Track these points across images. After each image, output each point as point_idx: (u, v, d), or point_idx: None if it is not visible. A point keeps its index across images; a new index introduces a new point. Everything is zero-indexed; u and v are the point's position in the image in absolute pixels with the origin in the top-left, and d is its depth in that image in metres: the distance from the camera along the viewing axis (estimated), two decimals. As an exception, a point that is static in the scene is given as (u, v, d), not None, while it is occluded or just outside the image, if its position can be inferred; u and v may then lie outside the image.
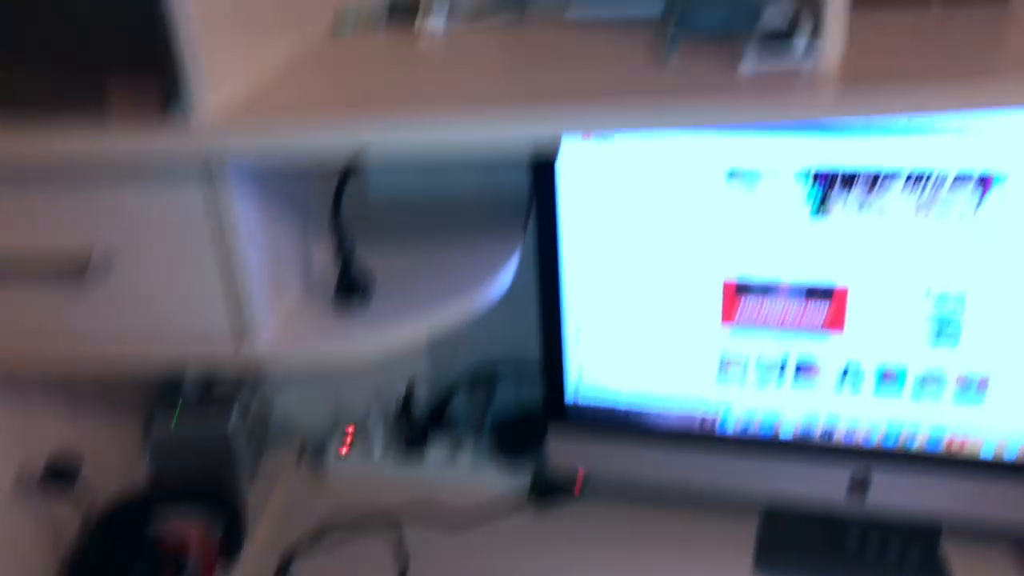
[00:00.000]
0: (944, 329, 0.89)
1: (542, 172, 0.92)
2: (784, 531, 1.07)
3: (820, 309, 0.92)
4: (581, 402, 1.04)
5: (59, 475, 0.96)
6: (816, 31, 0.71)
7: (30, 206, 0.73)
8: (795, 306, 0.92)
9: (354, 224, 1.00)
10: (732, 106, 0.64)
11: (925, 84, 0.64)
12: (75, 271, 0.74)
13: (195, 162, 0.69)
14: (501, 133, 0.65)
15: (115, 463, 1.11)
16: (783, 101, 0.64)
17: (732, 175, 0.87)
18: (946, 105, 0.63)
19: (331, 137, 0.67)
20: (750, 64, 0.71)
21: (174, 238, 0.73)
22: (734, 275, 0.92)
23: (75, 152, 0.69)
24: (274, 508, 1.16)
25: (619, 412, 1.03)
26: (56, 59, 0.68)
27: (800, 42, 0.71)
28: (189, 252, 0.74)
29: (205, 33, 0.67)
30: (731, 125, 0.64)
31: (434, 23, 0.96)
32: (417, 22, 0.96)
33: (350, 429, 1.23)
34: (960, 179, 0.83)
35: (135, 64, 0.67)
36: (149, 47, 0.66)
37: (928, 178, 0.83)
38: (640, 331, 0.98)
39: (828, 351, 0.93)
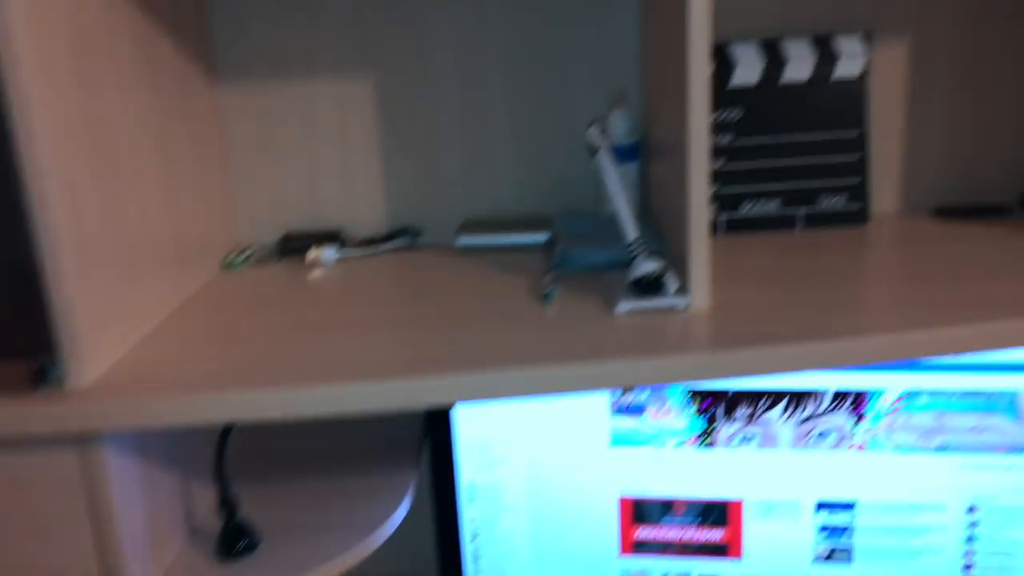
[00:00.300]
0: (838, 541, 0.90)
1: (437, 417, 0.93)
2: None
3: (716, 529, 0.92)
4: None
5: None
6: (682, 288, 0.75)
7: None
8: (691, 528, 0.92)
9: (243, 456, 0.97)
10: (606, 374, 0.65)
11: (792, 346, 0.66)
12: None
13: (68, 433, 0.67)
14: (381, 403, 0.65)
15: None
16: (654, 369, 0.65)
17: (618, 408, 0.89)
18: (810, 366, 0.66)
19: (208, 413, 0.65)
20: (625, 305, 0.74)
21: (44, 506, 0.70)
22: (630, 498, 0.92)
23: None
24: None
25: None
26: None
27: (671, 286, 0.74)
28: (60, 520, 0.70)
29: (85, 313, 0.66)
30: (610, 387, 0.66)
31: (326, 255, 0.97)
32: (309, 254, 0.97)
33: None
34: (839, 396, 0.86)
35: (9, 348, 0.66)
36: (24, 332, 0.65)
37: (808, 398, 0.86)
38: (540, 559, 0.96)
39: (726, 571, 0.93)
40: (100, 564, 0.71)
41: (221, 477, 0.77)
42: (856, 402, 0.86)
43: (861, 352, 0.66)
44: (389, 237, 1.02)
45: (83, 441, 0.68)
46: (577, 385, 0.65)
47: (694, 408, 0.88)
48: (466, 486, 0.94)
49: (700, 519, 0.92)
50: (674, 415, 0.88)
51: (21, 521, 0.70)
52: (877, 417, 0.86)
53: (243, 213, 1.04)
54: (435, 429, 0.93)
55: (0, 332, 0.65)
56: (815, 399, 0.86)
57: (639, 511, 0.92)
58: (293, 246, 0.99)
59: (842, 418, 0.87)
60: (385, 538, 0.84)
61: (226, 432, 0.76)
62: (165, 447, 0.79)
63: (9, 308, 0.65)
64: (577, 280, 0.84)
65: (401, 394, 0.65)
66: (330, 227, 1.04)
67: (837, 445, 0.87)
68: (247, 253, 0.99)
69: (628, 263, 0.77)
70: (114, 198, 0.73)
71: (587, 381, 0.65)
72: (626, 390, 0.88)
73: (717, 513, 0.91)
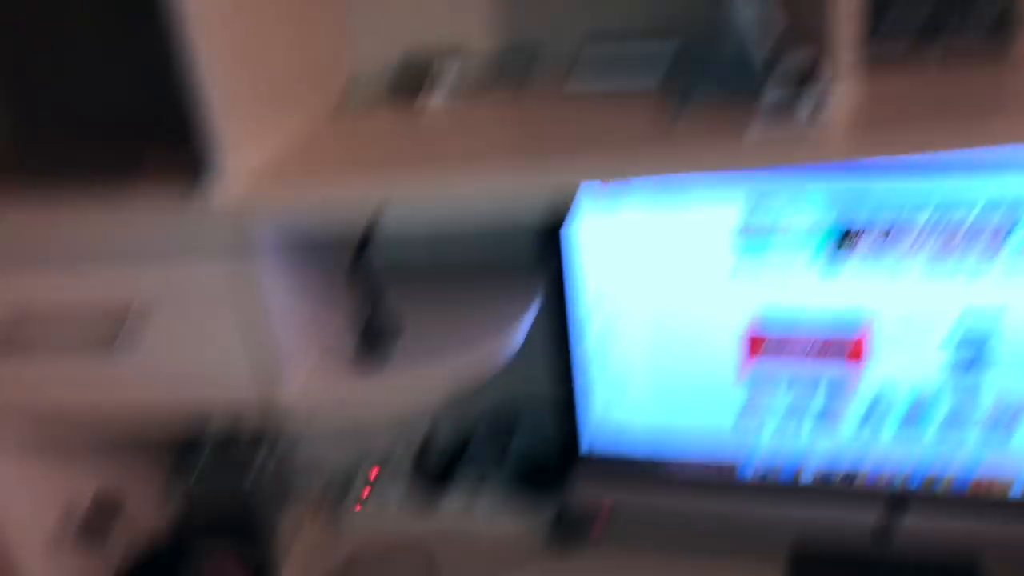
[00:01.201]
0: (975, 356, 0.88)
1: (552, 234, 0.93)
2: (812, 575, 1.05)
3: (843, 343, 0.90)
4: (599, 447, 1.04)
5: (100, 517, 1.00)
6: (822, 91, 0.71)
7: (67, 280, 0.76)
8: (818, 342, 0.91)
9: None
10: (743, 152, 0.65)
11: (930, 126, 0.64)
12: (104, 340, 0.76)
13: (223, 233, 0.71)
14: (516, 183, 0.66)
15: (146, 511, 1.12)
16: (794, 147, 0.65)
17: (743, 229, 0.88)
18: (953, 144, 0.63)
19: (352, 196, 0.68)
20: (756, 131, 0.72)
21: (201, 307, 0.75)
22: (755, 316, 0.92)
23: (108, 227, 0.71)
24: (299, 551, 1.17)
25: (638, 458, 1.03)
26: (97, 131, 0.79)
27: (805, 108, 0.71)
28: (215, 320, 0.75)
29: (229, 107, 0.70)
30: (743, 168, 0.65)
31: (437, 97, 0.96)
32: (420, 96, 0.97)
33: (373, 472, 1.22)
34: (988, 207, 0.82)
35: (166, 137, 0.75)
36: (179, 122, 0.70)
37: (952, 216, 0.83)
38: (658, 375, 0.97)
39: (852, 386, 0.92)
40: (251, 363, 0.77)
41: (364, 269, 0.81)
42: (1006, 214, 0.81)
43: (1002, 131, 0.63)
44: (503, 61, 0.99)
45: (235, 248, 0.72)
46: (709, 165, 0.64)
47: (827, 223, 0.85)
48: (584, 306, 0.96)
49: (829, 332, 0.90)
50: (803, 236, 0.86)
51: (181, 319, 0.76)
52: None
53: (360, 34, 1.01)
54: (553, 256, 0.94)
55: (159, 155, 0.71)
56: (960, 210, 0.82)
57: (764, 328, 0.92)
58: (405, 81, 0.98)
59: (988, 232, 0.82)
60: (514, 348, 0.86)
61: (370, 227, 0.79)
62: (310, 255, 0.83)
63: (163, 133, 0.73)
64: (702, 112, 0.80)
65: (529, 173, 0.67)
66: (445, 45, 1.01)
67: (982, 258, 0.83)
68: (366, 82, 0.99)
69: (758, 85, 0.74)
70: (246, 31, 0.74)
71: (720, 161, 0.64)
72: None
73: (846, 326, 0.89)
